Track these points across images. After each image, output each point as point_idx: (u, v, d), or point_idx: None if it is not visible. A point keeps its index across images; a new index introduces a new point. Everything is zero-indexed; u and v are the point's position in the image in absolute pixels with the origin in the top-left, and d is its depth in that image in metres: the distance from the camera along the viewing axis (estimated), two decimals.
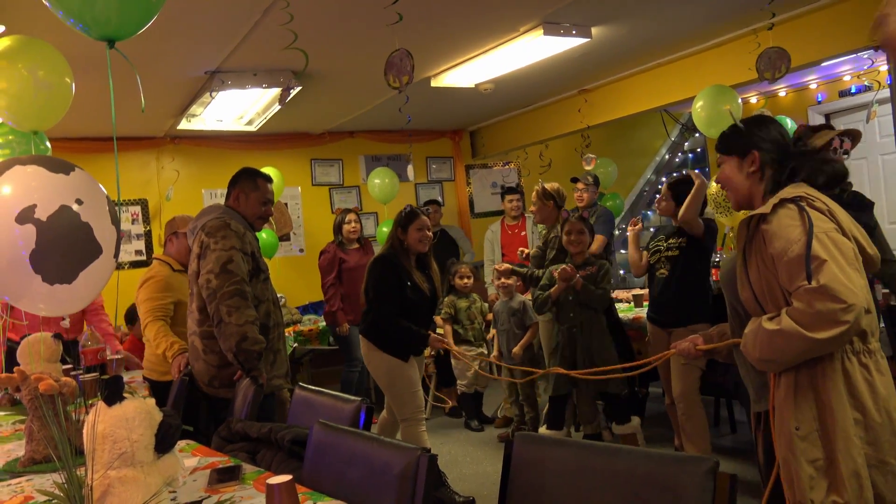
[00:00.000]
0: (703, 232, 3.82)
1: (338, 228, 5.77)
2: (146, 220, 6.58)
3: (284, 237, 7.05)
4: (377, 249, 6.91)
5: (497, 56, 4.71)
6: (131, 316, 4.70)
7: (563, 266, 4.11)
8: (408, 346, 3.81)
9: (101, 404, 1.50)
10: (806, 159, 1.96)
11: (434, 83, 5.22)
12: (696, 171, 3.89)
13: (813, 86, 6.76)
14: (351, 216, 5.77)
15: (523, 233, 6.27)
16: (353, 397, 2.25)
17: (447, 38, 4.37)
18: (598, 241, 4.98)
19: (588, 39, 4.43)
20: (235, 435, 2.37)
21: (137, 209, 6.56)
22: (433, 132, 7.86)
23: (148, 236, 6.56)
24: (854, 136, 3.21)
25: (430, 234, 3.85)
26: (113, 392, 1.48)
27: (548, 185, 4.73)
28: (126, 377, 4.21)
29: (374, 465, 1.68)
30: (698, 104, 4.56)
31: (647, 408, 5.00)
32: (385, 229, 6.55)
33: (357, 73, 4.96)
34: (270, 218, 6.67)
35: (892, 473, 1.79)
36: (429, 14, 3.84)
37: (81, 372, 3.54)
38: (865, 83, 6.18)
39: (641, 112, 6.19)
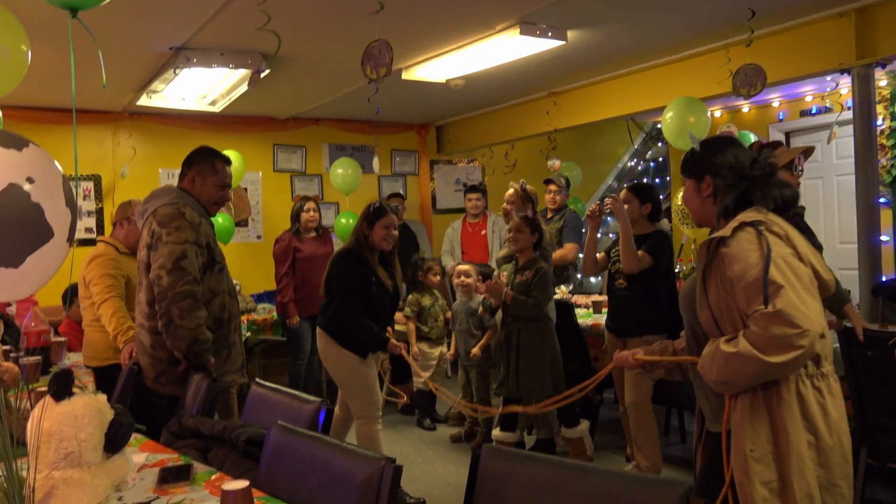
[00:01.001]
0: (650, 263, 3.81)
1: (296, 216, 5.65)
2: (98, 197, 6.35)
3: (242, 223, 6.90)
4: (335, 241, 6.92)
5: (471, 52, 4.66)
6: (69, 297, 4.50)
7: (491, 282, 4.10)
8: (367, 345, 3.75)
9: (47, 399, 1.40)
10: (757, 185, 1.97)
11: (405, 76, 5.15)
12: (604, 203, 3.83)
13: (776, 104, 6.88)
14: (310, 204, 5.66)
15: (483, 231, 6.25)
16: (312, 398, 2.18)
17: (423, 31, 4.30)
18: (572, 249, 4.98)
19: (563, 42, 4.41)
20: (186, 431, 2.28)
21: (90, 185, 6.32)
22: (400, 125, 7.77)
23: (100, 214, 6.33)
24: (808, 152, 3.27)
25: (396, 232, 3.79)
26: (62, 387, 1.39)
27: (528, 187, 4.71)
28: (67, 362, 4.05)
29: (335, 473, 1.62)
30: (668, 115, 4.59)
31: (600, 413, 5.02)
32: (344, 220, 6.46)
33: (329, 60, 4.86)
34: (229, 203, 6.58)
35: (841, 495, 1.85)
36: (407, 5, 3.76)
37: (22, 355, 3.38)
38: (827, 105, 6.31)
39: (609, 119, 6.21)
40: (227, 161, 3.17)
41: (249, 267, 6.76)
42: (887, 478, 3.67)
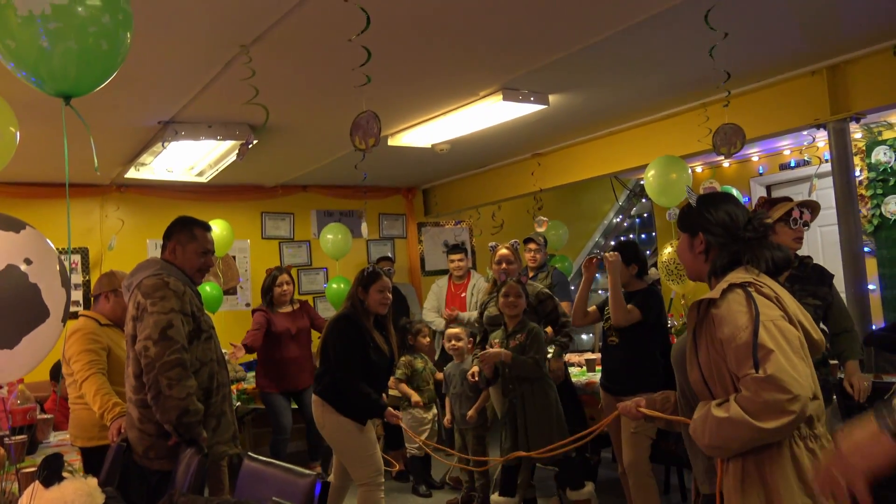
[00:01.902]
0: (640, 317, 3.82)
1: (268, 289, 5.46)
2: (86, 269, 6.32)
3: (230, 291, 6.87)
4: (322, 306, 6.89)
5: (455, 118, 4.75)
6: (55, 373, 4.42)
7: (483, 352, 4.05)
8: (366, 411, 3.70)
9: (36, 485, 1.36)
10: (749, 246, 1.98)
11: (391, 142, 5.23)
12: (601, 254, 3.89)
13: (755, 158, 7.02)
14: (283, 277, 5.47)
15: (463, 294, 6.24)
16: (307, 471, 2.13)
17: (408, 100, 4.39)
18: (568, 307, 4.96)
19: (545, 106, 4.52)
20: None
21: (77, 258, 6.30)
22: (386, 189, 7.85)
23: (87, 287, 6.29)
24: (813, 207, 3.29)
25: (391, 295, 3.79)
26: (51, 472, 1.36)
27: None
28: (53, 439, 3.96)
29: None
30: (650, 173, 4.67)
31: (598, 473, 4.93)
32: (336, 285, 6.44)
33: (316, 129, 4.93)
34: (217, 271, 6.55)
35: None
36: (392, 76, 3.85)
37: (7, 434, 3.29)
38: (805, 158, 6.45)
39: (593, 178, 6.31)
40: (207, 227, 3.17)
41: (238, 335, 6.65)
42: None
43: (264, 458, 2.42)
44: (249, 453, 2.53)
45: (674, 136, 5.28)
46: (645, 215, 8.89)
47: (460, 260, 6.23)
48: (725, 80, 3.23)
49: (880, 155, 5.92)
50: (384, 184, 7.72)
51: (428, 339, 5.33)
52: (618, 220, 9.23)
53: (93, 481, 1.41)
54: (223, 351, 4.85)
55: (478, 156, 6.44)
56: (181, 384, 2.74)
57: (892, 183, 5.91)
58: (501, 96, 4.26)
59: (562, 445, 2.90)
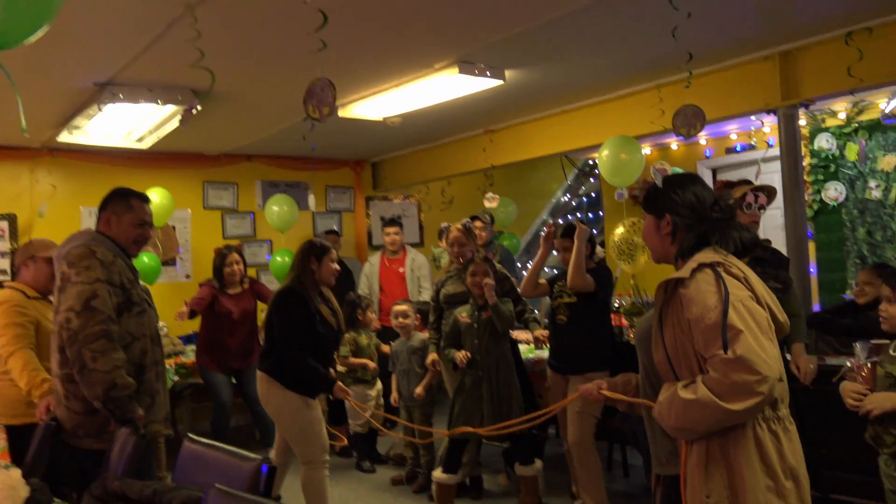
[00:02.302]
0: (594, 286, 3.85)
1: (218, 270, 5.25)
2: (14, 237, 6.00)
3: (169, 262, 6.63)
4: (266, 279, 6.72)
5: (409, 91, 4.64)
6: None
7: (488, 280, 4.01)
8: (314, 386, 3.61)
9: None
10: (717, 227, 1.96)
11: (341, 113, 5.08)
12: (579, 218, 3.95)
13: (702, 141, 7.09)
14: (232, 257, 5.25)
15: (401, 269, 6.16)
16: (252, 455, 2.03)
17: (361, 70, 4.25)
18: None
19: (501, 82, 4.44)
20: (111, 496, 2.09)
21: (5, 225, 5.97)
22: (334, 161, 7.67)
23: (15, 255, 5.98)
24: (770, 191, 3.32)
25: (339, 267, 3.73)
26: None
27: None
28: None
29: None
30: (604, 153, 4.65)
31: (545, 450, 4.97)
32: (280, 259, 6.28)
33: (264, 97, 4.74)
34: (156, 241, 6.31)
35: None
36: (345, 44, 3.71)
37: None
38: (752, 142, 6.54)
39: (545, 156, 6.28)
40: (145, 199, 3.02)
41: (177, 307, 6.47)
42: None
43: (206, 441, 2.30)
44: (190, 434, 2.41)
45: (627, 116, 5.27)
46: (593, 195, 8.94)
47: (396, 234, 6.15)
48: (688, 61, 3.20)
49: (822, 142, 6.04)
50: (332, 156, 7.54)
51: (374, 315, 5.26)
52: (566, 199, 9.26)
53: (16, 473, 1.29)
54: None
55: (430, 130, 6.33)
56: (106, 357, 2.59)
57: (832, 170, 6.05)
58: (457, 69, 4.16)
59: (520, 423, 2.88)
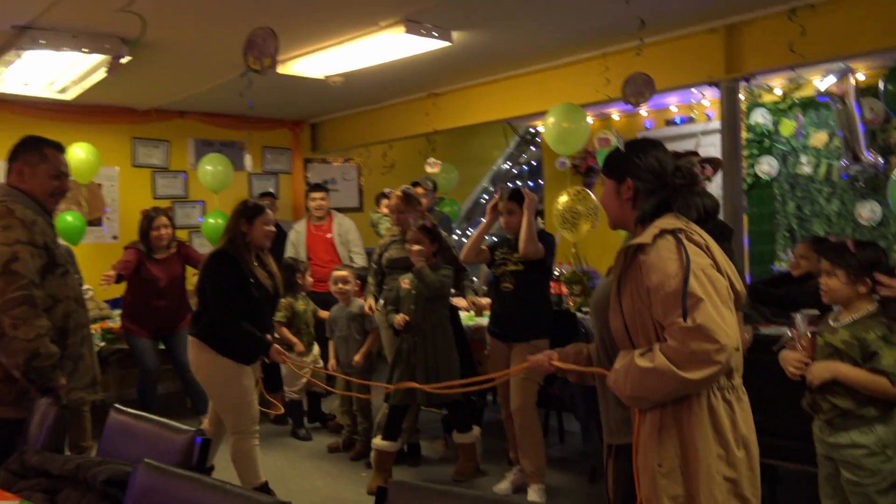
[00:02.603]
0: (544, 254, 3.85)
1: (145, 234, 4.98)
2: None
3: (95, 222, 6.32)
4: (198, 241, 6.49)
5: (352, 49, 4.48)
6: None
7: (415, 246, 3.97)
8: (248, 351, 3.49)
9: None
10: (679, 193, 1.93)
11: (280, 70, 4.86)
12: (520, 187, 3.92)
13: (643, 112, 7.14)
14: (160, 220, 4.99)
15: (329, 235, 6.05)
16: (184, 426, 1.92)
17: (302, 24, 4.06)
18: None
19: (448, 43, 4.33)
20: (30, 470, 1.95)
21: None
22: (272, 121, 7.42)
23: None
24: (716, 163, 3.33)
25: (275, 229, 3.58)
26: None
27: (412, 190, 4.61)
28: None
29: None
30: (550, 120, 4.61)
31: (483, 418, 4.98)
32: (213, 220, 6.07)
33: (199, 48, 4.49)
34: (81, 199, 5.99)
35: None
36: None
37: None
38: (692, 115, 6.62)
39: (489, 122, 6.21)
40: (60, 148, 2.81)
41: (104, 270, 6.19)
42: (764, 474, 3.84)
43: (134, 412, 2.17)
44: (117, 405, 2.27)
45: (573, 84, 5.23)
46: (534, 163, 8.94)
47: (322, 199, 6.03)
48: (640, 27, 3.17)
49: (759, 117, 6.16)
50: (270, 115, 7.28)
51: (312, 279, 5.15)
52: (506, 166, 9.24)
53: None
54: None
55: (372, 91, 6.16)
56: (29, 324, 2.43)
57: (766, 144, 6.19)
58: (403, 28, 4.03)
59: (464, 384, 2.84)
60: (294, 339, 4.92)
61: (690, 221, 1.90)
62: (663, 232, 1.83)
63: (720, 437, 1.79)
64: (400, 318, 3.99)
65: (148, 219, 5.02)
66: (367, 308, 4.60)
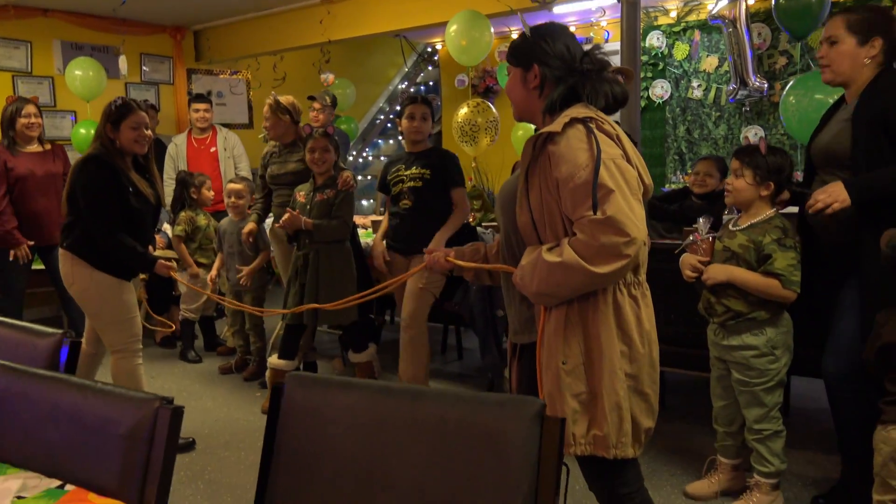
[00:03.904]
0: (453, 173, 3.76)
1: (9, 123, 4.41)
2: None
3: None
4: (72, 154, 5.96)
5: None
6: None
7: (283, 219, 3.75)
8: (127, 266, 3.23)
9: None
10: (587, 79, 1.85)
11: None
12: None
13: None
14: (30, 108, 4.44)
15: (213, 148, 5.73)
16: (50, 329, 1.71)
17: None
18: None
19: None
20: None
21: None
22: (150, 25, 6.80)
23: None
24: (627, 73, 3.26)
25: (150, 132, 3.25)
26: None
27: (282, 99, 4.27)
28: None
29: (88, 423, 1.24)
30: (452, 28, 4.44)
31: (382, 336, 4.93)
32: (84, 131, 5.57)
33: None
34: None
35: (648, 402, 1.83)
36: None
37: None
38: (590, 35, 6.59)
39: (386, 32, 5.96)
40: None
41: None
42: (663, 384, 4.00)
43: None
44: None
45: None
46: (431, 83, 8.73)
47: (206, 111, 5.68)
48: None
49: (654, 40, 6.22)
50: (148, 19, 6.66)
51: (212, 192, 4.83)
52: (403, 85, 8.99)
53: None
54: None
55: None
56: None
57: (660, 67, 6.27)
58: None
59: (362, 296, 2.71)
60: (189, 260, 4.64)
61: (600, 111, 1.82)
62: (573, 121, 1.75)
63: (624, 334, 1.77)
64: (287, 217, 3.73)
65: (14, 107, 4.43)
66: (244, 234, 4.31)
